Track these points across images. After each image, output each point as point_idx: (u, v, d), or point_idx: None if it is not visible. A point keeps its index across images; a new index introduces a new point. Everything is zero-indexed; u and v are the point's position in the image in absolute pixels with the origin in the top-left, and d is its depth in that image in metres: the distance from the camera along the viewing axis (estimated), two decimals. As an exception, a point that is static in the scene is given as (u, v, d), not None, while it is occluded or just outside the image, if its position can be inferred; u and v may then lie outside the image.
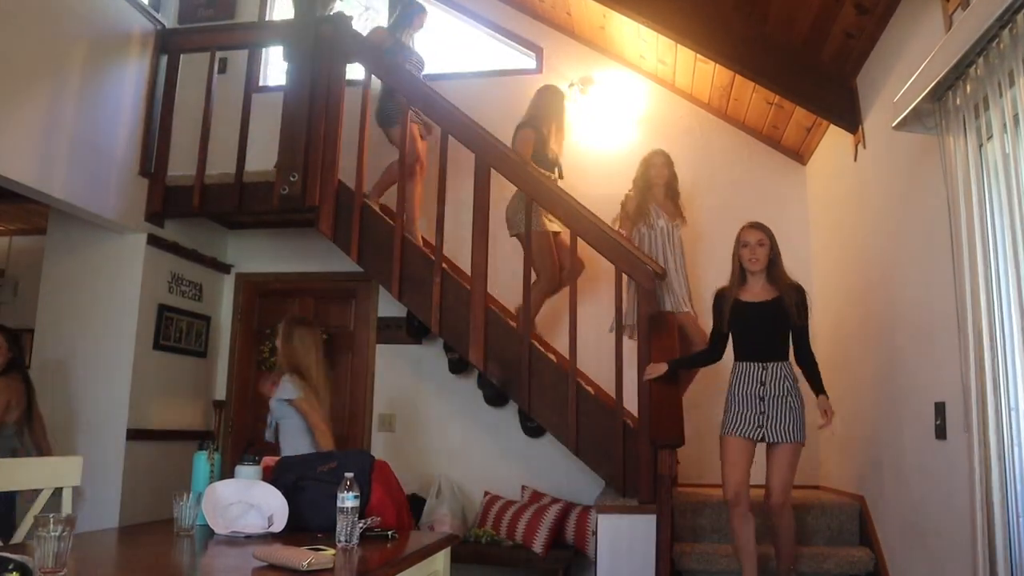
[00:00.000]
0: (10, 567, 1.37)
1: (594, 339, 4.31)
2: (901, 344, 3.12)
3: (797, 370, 3.17)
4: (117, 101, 4.17)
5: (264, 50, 5.31)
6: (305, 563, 1.64)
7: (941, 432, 2.65)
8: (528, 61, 5.26)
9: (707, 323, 3.47)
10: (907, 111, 2.50)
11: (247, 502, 2.17)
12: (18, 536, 2.26)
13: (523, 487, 4.48)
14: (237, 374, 4.97)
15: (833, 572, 3.27)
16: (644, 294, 3.68)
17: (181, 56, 4.46)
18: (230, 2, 5.51)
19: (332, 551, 1.82)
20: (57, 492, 2.32)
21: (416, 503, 4.36)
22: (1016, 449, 2.02)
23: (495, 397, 4.38)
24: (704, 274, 4.32)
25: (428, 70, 4.82)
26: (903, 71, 2.84)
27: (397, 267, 3.95)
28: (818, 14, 3.37)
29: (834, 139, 4.07)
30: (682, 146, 4.76)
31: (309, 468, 2.37)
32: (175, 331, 4.56)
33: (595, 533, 3.56)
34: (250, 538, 2.09)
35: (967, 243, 2.25)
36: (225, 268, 5.07)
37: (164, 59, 4.44)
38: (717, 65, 4.20)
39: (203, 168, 4.25)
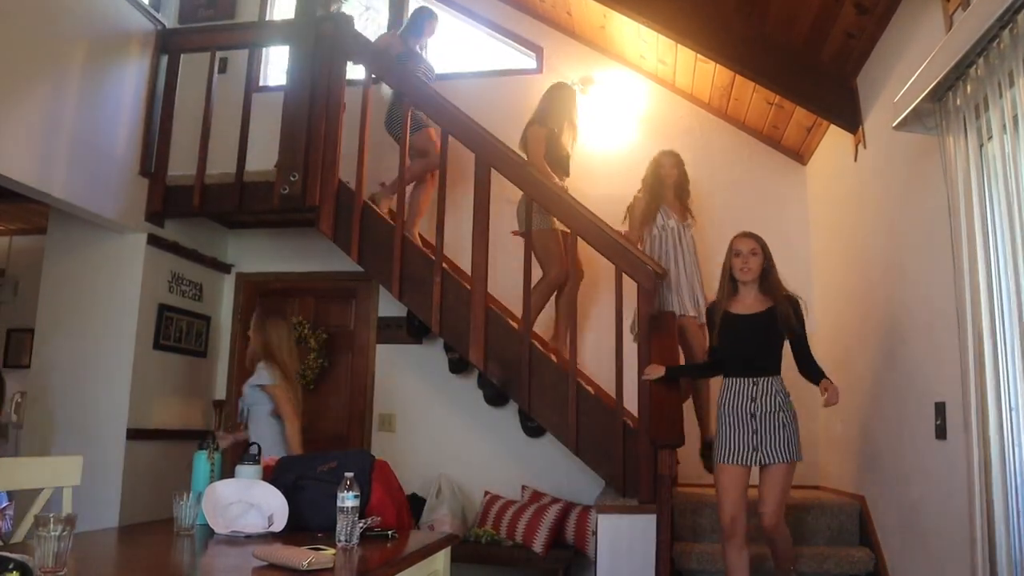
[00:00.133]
0: (10, 567, 1.37)
1: (594, 339, 4.31)
2: (901, 344, 3.12)
3: (789, 384, 3.06)
4: (117, 101, 4.17)
5: (264, 50, 5.32)
6: (305, 563, 1.64)
7: (941, 432, 2.65)
8: (528, 61, 5.26)
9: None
10: (907, 111, 2.50)
11: (247, 502, 2.17)
12: (18, 536, 2.26)
13: (523, 487, 4.48)
14: (237, 374, 4.96)
15: (833, 572, 3.27)
16: (644, 294, 3.67)
17: (181, 56, 4.45)
18: (230, 2, 5.51)
19: (332, 551, 1.82)
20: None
21: (416, 503, 4.36)
22: (1016, 449, 2.02)
23: (495, 397, 4.38)
24: (704, 276, 4.31)
25: (429, 70, 4.83)
26: (903, 71, 2.84)
27: (397, 267, 3.95)
28: (818, 14, 3.37)
29: (834, 139, 4.07)
30: (682, 146, 4.75)
31: (309, 468, 2.37)
32: (175, 331, 4.56)
33: (595, 533, 3.56)
34: (250, 538, 2.10)
35: (967, 243, 2.25)
36: (225, 268, 5.07)
37: (164, 59, 4.44)
38: (717, 65, 4.20)
39: (203, 168, 4.25)
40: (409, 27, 4.73)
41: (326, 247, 4.27)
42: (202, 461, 2.42)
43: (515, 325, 3.94)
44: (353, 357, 4.94)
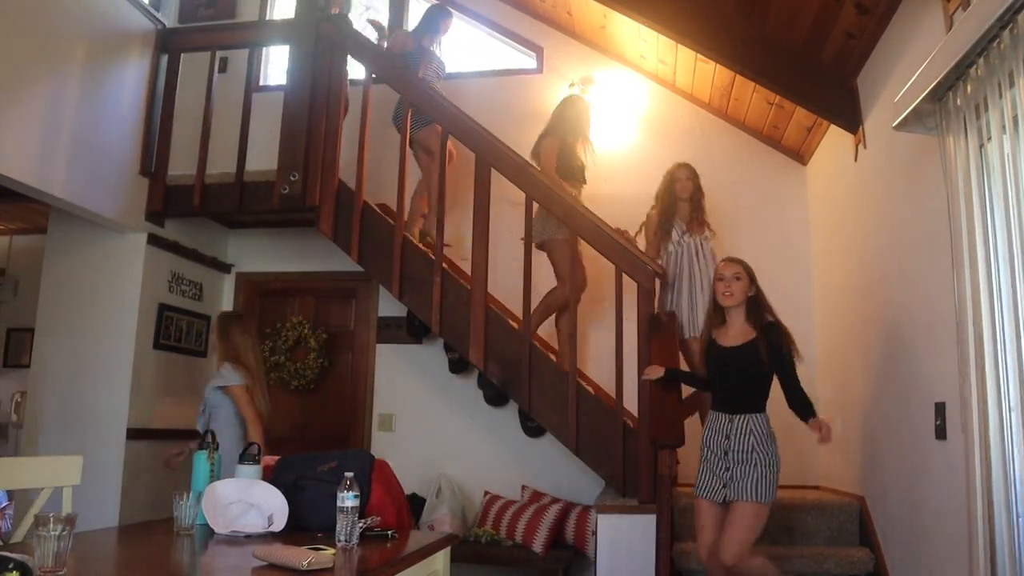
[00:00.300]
0: (10, 566, 1.37)
1: (594, 339, 4.31)
2: (901, 344, 3.12)
3: (767, 425, 2.91)
4: (118, 100, 4.17)
5: (264, 50, 5.32)
6: (305, 563, 1.64)
7: (941, 432, 2.64)
8: (529, 61, 5.26)
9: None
10: (907, 111, 2.50)
11: (247, 501, 2.17)
12: (18, 535, 2.26)
13: (523, 487, 4.48)
14: (237, 374, 4.97)
15: (833, 572, 3.27)
16: (643, 294, 3.67)
17: (182, 55, 4.46)
18: (230, 2, 5.51)
19: (332, 551, 1.82)
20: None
21: (416, 503, 4.36)
22: (1016, 449, 2.02)
23: (495, 397, 4.38)
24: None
25: (429, 69, 4.82)
26: (904, 71, 2.84)
27: (397, 267, 3.95)
28: (818, 14, 3.37)
29: (835, 139, 4.07)
30: (682, 146, 4.77)
31: (309, 468, 2.37)
32: (175, 330, 4.56)
33: (595, 533, 3.55)
34: (250, 537, 2.10)
35: (967, 243, 2.25)
36: (225, 268, 5.07)
37: (164, 58, 4.44)
38: (718, 65, 4.20)
39: (203, 167, 4.25)
40: (423, 25, 4.73)
41: (326, 247, 4.27)
42: (202, 461, 2.42)
43: (515, 325, 3.94)
44: (353, 357, 4.94)
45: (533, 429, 4.36)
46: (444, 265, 3.97)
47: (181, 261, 4.63)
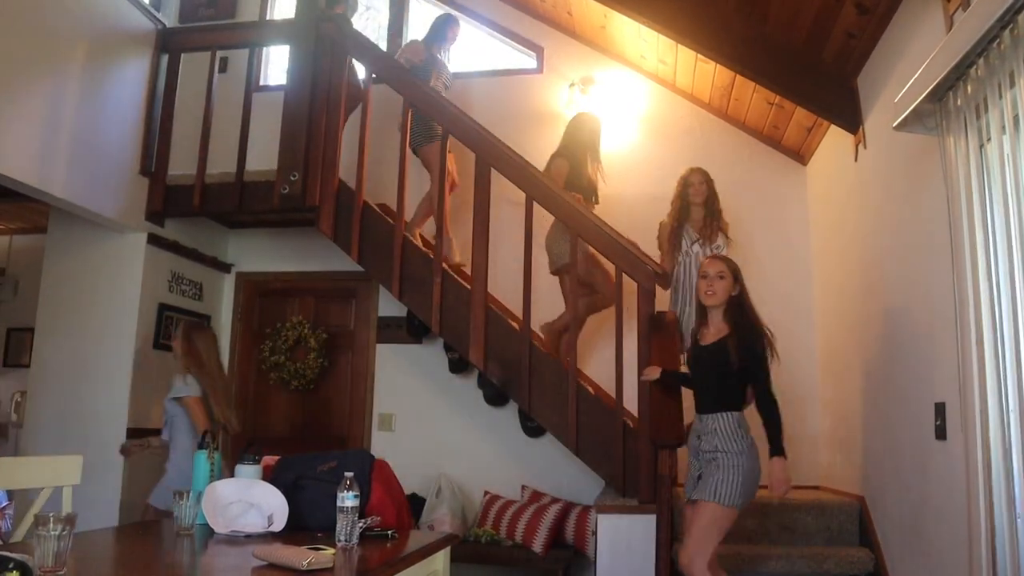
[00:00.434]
0: (10, 566, 1.37)
1: (594, 339, 4.31)
2: (901, 344, 3.12)
3: (736, 426, 2.79)
4: (118, 100, 4.17)
5: (265, 49, 5.32)
6: (305, 562, 1.64)
7: (941, 432, 2.65)
8: (529, 61, 5.26)
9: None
10: (908, 111, 2.50)
11: (247, 501, 2.17)
12: (18, 535, 2.26)
13: (523, 487, 4.48)
14: (237, 373, 4.97)
15: (833, 572, 3.27)
16: (644, 294, 3.67)
17: (182, 55, 4.46)
18: (231, 1, 5.51)
19: (332, 551, 1.82)
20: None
21: (416, 503, 4.36)
22: (1016, 450, 2.02)
23: (495, 397, 4.38)
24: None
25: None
26: (904, 71, 2.84)
27: (397, 267, 3.95)
28: (819, 14, 3.37)
29: (835, 139, 4.07)
30: (682, 146, 4.77)
31: (309, 467, 2.36)
32: (175, 330, 4.55)
33: (595, 533, 3.55)
34: (250, 537, 2.09)
35: (967, 243, 2.25)
36: (225, 267, 5.07)
37: (165, 58, 4.44)
38: (718, 65, 4.20)
39: (203, 167, 4.25)
40: (432, 34, 4.74)
41: (326, 247, 4.27)
42: (202, 461, 2.42)
43: (515, 325, 3.94)
44: (353, 357, 4.94)
45: (533, 429, 4.36)
46: (444, 265, 3.97)
47: (181, 261, 4.63)
